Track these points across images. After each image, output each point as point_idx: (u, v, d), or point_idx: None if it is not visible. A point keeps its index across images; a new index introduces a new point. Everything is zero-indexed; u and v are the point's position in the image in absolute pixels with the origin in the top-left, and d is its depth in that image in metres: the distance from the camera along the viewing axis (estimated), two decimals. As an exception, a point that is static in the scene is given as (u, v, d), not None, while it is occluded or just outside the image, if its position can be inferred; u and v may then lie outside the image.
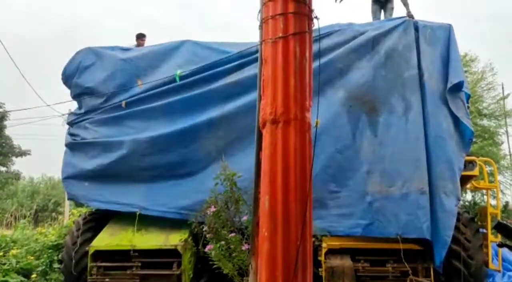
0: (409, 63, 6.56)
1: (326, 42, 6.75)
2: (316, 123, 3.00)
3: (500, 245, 1.83)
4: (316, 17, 3.04)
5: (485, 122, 18.40)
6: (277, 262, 2.69)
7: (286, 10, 2.93)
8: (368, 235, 6.10)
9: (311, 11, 3.00)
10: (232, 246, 4.11)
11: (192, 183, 6.59)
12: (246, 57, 6.83)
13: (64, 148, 7.61)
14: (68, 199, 8.10)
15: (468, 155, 6.76)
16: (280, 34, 2.93)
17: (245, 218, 4.34)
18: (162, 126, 7.10)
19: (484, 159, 7.54)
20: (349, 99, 6.57)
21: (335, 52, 6.70)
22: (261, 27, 3.11)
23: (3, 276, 7.96)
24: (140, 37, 9.02)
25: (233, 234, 4.18)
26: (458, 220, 6.55)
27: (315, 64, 6.44)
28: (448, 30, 6.56)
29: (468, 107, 6.92)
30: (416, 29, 6.65)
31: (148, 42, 9.03)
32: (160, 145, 6.97)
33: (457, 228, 6.36)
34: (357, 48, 6.69)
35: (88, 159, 7.34)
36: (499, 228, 1.93)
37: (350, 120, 6.53)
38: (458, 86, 6.38)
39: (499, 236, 6.35)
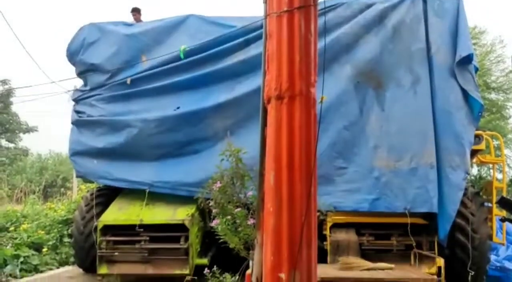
0: (417, 36, 6.45)
1: (332, 17, 6.64)
2: (322, 99, 2.97)
3: (503, 220, 1.84)
4: (321, -10, 2.98)
5: (493, 96, 18.21)
6: (282, 236, 2.72)
7: (291, -17, 2.87)
8: (375, 210, 6.13)
9: (316, -16, 2.94)
10: (238, 221, 4.18)
11: (200, 161, 6.64)
12: (251, 32, 6.75)
13: (71, 126, 7.65)
14: (77, 176, 8.20)
15: (479, 127, 6.72)
16: (285, 8, 2.88)
17: (250, 193, 4.39)
18: (169, 105, 7.10)
19: (491, 133, 7.50)
20: (356, 75, 6.51)
21: (342, 28, 6.60)
22: (265, 1, 3.06)
23: (15, 250, 8.16)
24: (135, 11, 8.80)
25: (239, 209, 4.24)
26: (464, 194, 6.57)
27: (322, 40, 6.42)
28: (457, 2, 6.41)
29: (476, 80, 6.84)
30: (424, 1, 6.50)
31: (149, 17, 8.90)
32: (168, 125, 7.00)
33: (462, 202, 6.38)
34: (364, 23, 6.57)
35: (96, 136, 7.38)
36: (502, 203, 1.95)
37: (357, 96, 6.49)
38: (467, 59, 6.28)
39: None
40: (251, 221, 3.98)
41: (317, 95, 3.03)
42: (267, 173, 2.86)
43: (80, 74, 7.73)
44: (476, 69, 6.72)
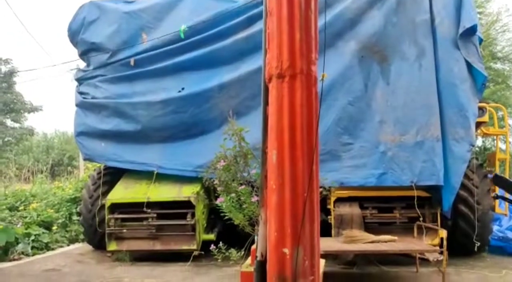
0: (420, 7, 6.38)
1: None
2: (322, 77, 2.97)
3: (496, 197, 1.87)
4: (321, -34, 2.93)
5: (499, 66, 17.97)
6: (285, 213, 2.77)
7: (290, -41, 2.83)
8: (382, 184, 6.18)
9: (316, -41, 2.89)
10: (242, 198, 4.25)
11: (207, 141, 6.67)
12: (254, 9, 6.67)
13: (75, 108, 7.67)
14: (84, 159, 8.27)
15: (482, 100, 6.70)
16: (285, -15, 2.85)
17: (253, 171, 4.45)
18: (173, 86, 7.11)
19: (495, 104, 7.48)
20: (360, 50, 6.48)
21: (345, 3, 6.52)
22: (264, -23, 3.03)
23: (26, 229, 8.32)
24: None
25: (243, 186, 4.31)
26: (467, 166, 6.62)
27: (323, 17, 6.33)
28: None
29: (481, 51, 6.77)
30: None
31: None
32: (173, 106, 7.03)
33: (465, 174, 6.44)
34: None
35: (102, 119, 7.43)
36: (497, 180, 1.97)
37: (362, 71, 6.47)
38: (471, 31, 6.21)
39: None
40: (255, 198, 4.05)
41: (318, 73, 3.04)
42: (269, 151, 2.89)
43: (82, 54, 7.71)
44: (481, 40, 6.65)
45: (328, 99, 6.35)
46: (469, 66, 6.22)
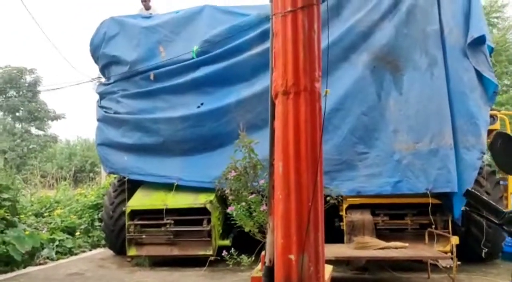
0: (430, 17, 6.49)
1: (346, 5, 6.76)
2: (326, 93, 3.15)
3: (465, 211, 1.92)
4: (324, -11, 3.13)
5: (516, 70, 17.77)
6: (291, 221, 2.95)
7: (294, -17, 3.03)
8: (398, 192, 6.26)
9: (318, -17, 3.09)
10: (252, 207, 4.44)
11: (224, 154, 6.76)
12: (266, 23, 6.87)
13: (97, 123, 7.98)
14: (109, 172, 8.57)
15: (493, 107, 6.76)
16: (289, 8, 3.04)
17: (262, 181, 4.64)
18: (192, 102, 7.37)
19: (507, 112, 7.49)
20: (372, 61, 6.62)
21: (357, 16, 6.69)
22: (271, 0, 3.24)
23: (51, 234, 8.67)
24: None
25: (253, 195, 4.50)
26: (479, 173, 6.67)
27: (336, 31, 6.48)
28: None
29: (491, 60, 6.84)
30: None
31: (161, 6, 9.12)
32: (192, 121, 7.30)
33: (477, 181, 6.51)
34: (379, 10, 6.65)
35: (123, 133, 7.72)
36: (469, 196, 2.07)
37: (375, 81, 6.60)
38: (480, 40, 6.30)
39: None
40: (263, 207, 4.23)
41: (323, 89, 3.22)
42: (276, 163, 3.09)
43: (103, 68, 8.04)
44: (491, 49, 6.72)
45: (342, 110, 6.52)
46: (479, 75, 6.30)
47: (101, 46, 7.88)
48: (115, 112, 7.83)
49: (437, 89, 6.33)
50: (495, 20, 16.81)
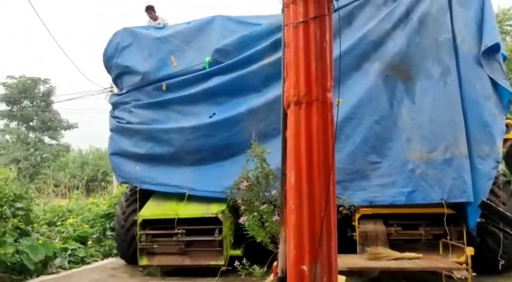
0: (443, 26, 6.46)
1: (358, 15, 6.78)
2: (338, 103, 3.15)
3: (481, 223, 1.89)
4: (335, -1, 3.15)
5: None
6: (303, 232, 2.94)
7: (306, -6, 3.04)
8: (412, 202, 6.18)
9: (330, -6, 3.10)
10: (264, 217, 4.43)
11: (236, 164, 6.77)
12: (277, 33, 6.91)
13: (110, 133, 8.04)
14: (121, 182, 8.61)
15: (508, 116, 6.69)
16: (301, 19, 3.06)
17: (274, 191, 4.63)
18: (204, 112, 7.41)
19: (521, 121, 7.39)
20: (384, 70, 6.61)
21: (369, 25, 6.70)
22: (283, 11, 3.25)
23: (63, 243, 8.72)
24: (150, 9, 9.11)
25: (265, 206, 4.49)
26: (494, 183, 6.57)
27: (348, 41, 6.50)
28: None
29: (505, 69, 6.77)
30: None
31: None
32: (204, 131, 7.33)
33: (492, 191, 6.41)
34: (390, 19, 6.66)
35: (135, 143, 7.76)
36: (484, 208, 2.04)
37: (387, 90, 6.57)
38: (494, 49, 6.25)
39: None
40: (276, 217, 4.22)
41: (334, 98, 3.21)
42: (288, 173, 3.08)
43: (115, 78, 8.14)
44: (505, 57, 6.65)
45: (355, 119, 6.50)
46: (494, 83, 6.23)
47: (114, 56, 7.98)
48: (128, 122, 7.90)
49: (451, 98, 6.28)
50: (508, 28, 16.68)
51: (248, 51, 7.16)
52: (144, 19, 9.23)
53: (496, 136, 6.11)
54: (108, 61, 8.09)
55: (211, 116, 7.37)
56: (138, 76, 7.83)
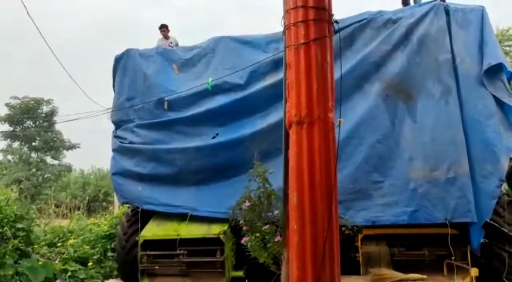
0: (442, 47, 6.54)
1: (359, 36, 6.88)
2: (339, 123, 3.17)
3: (485, 243, 1.87)
4: (336, 22, 3.20)
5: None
6: (306, 253, 2.92)
7: (307, 17, 3.11)
8: (415, 222, 6.13)
9: (331, 16, 3.16)
10: (266, 237, 4.40)
11: (239, 183, 6.73)
12: (279, 55, 6.98)
13: (112, 153, 8.06)
14: (123, 203, 8.58)
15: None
16: (302, 41, 3.11)
17: (276, 211, 4.61)
18: (207, 132, 7.45)
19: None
20: (385, 90, 6.65)
21: (369, 47, 6.79)
22: (284, 33, 3.31)
23: (63, 265, 8.64)
24: (163, 27, 9.48)
25: (267, 226, 4.46)
26: (497, 203, 6.53)
27: (349, 62, 6.58)
28: (480, 13, 6.46)
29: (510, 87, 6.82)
30: (447, 13, 6.60)
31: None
32: (208, 151, 7.33)
33: (496, 211, 6.35)
34: (391, 41, 6.75)
35: (138, 162, 7.75)
36: (488, 228, 2.04)
37: (388, 109, 6.61)
38: (498, 68, 6.28)
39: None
40: (278, 238, 4.19)
41: (336, 118, 3.23)
42: (290, 193, 3.08)
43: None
44: (510, 74, 6.70)
45: (356, 138, 6.51)
46: (499, 101, 6.24)
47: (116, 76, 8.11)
48: (130, 142, 7.92)
49: (452, 117, 6.30)
50: (507, 48, 16.86)
51: (250, 74, 7.23)
52: (153, 41, 9.46)
53: (499, 154, 6.07)
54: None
55: (214, 137, 7.39)
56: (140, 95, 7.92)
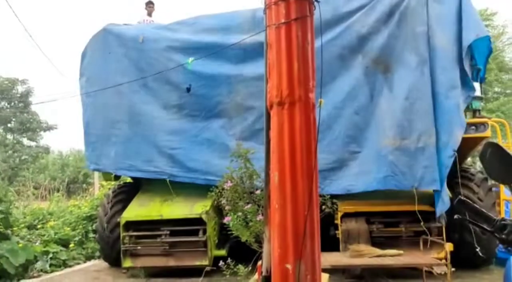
0: (419, 19, 6.64)
1: (343, 7, 6.88)
2: (320, 103, 3.19)
3: (457, 219, 1.94)
4: (317, 0, 3.19)
5: (506, 77, 18.00)
6: (287, 231, 2.97)
7: (288, -4, 3.08)
8: (384, 188, 6.29)
9: (312, -5, 3.14)
10: (248, 217, 4.46)
11: (216, 149, 6.88)
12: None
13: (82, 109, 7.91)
14: (93, 169, 8.42)
15: (481, 115, 6.86)
16: (283, 20, 3.09)
17: (258, 191, 4.66)
18: (185, 94, 7.33)
19: (497, 119, 7.59)
20: (366, 62, 6.75)
21: (353, 17, 6.84)
22: (265, 12, 3.28)
23: (44, 247, 8.60)
24: (150, 4, 9.39)
25: (249, 205, 4.52)
26: (471, 180, 6.76)
27: (331, 33, 6.60)
28: None
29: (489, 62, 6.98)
30: None
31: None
32: (186, 111, 7.30)
33: (470, 188, 6.59)
34: (373, 12, 6.80)
35: (112, 125, 7.62)
36: (461, 204, 2.10)
37: (368, 81, 6.71)
38: (482, 41, 6.52)
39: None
40: (260, 217, 4.25)
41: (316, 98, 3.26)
42: (272, 173, 3.11)
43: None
44: (491, 50, 6.80)
45: (336, 109, 6.60)
46: (464, 74, 6.40)
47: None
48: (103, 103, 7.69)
49: (425, 87, 6.42)
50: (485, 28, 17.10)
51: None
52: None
53: (454, 125, 6.24)
54: None
55: (188, 88, 7.27)
56: None
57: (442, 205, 5.99)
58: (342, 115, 6.59)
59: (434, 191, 6.14)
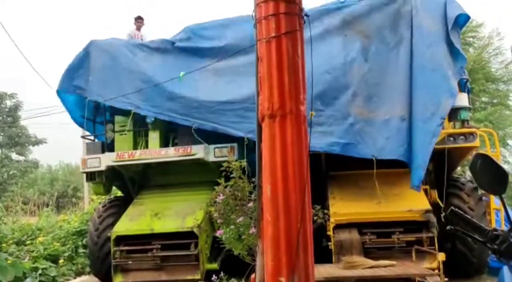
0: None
1: None
2: (311, 115, 3.22)
3: (450, 230, 1.95)
4: (306, 15, 3.24)
5: (493, 87, 18.29)
6: (280, 243, 2.97)
7: (278, 10, 3.12)
8: (345, 154, 6.41)
9: (301, 9, 3.20)
10: (241, 229, 4.44)
11: (184, 86, 7.06)
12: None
13: None
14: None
15: (470, 125, 6.95)
16: (273, 34, 3.13)
17: (250, 204, 4.65)
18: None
19: (486, 129, 7.69)
20: (345, 29, 6.92)
21: None
22: (255, 26, 3.32)
23: (33, 263, 8.46)
24: (140, 19, 9.45)
25: (241, 218, 4.51)
26: (461, 189, 6.82)
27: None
28: None
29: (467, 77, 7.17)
30: None
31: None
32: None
33: (460, 197, 6.65)
34: None
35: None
36: (453, 215, 2.12)
37: (344, 45, 6.86)
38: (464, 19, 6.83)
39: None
40: (253, 230, 4.24)
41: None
42: (264, 185, 3.12)
43: None
44: (468, 18, 7.11)
45: (307, 67, 6.68)
46: (452, 49, 6.58)
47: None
48: None
49: (401, 67, 6.61)
50: (471, 39, 17.39)
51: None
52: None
53: (441, 95, 6.38)
54: None
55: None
56: None
57: (420, 172, 6.07)
58: (313, 73, 6.69)
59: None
